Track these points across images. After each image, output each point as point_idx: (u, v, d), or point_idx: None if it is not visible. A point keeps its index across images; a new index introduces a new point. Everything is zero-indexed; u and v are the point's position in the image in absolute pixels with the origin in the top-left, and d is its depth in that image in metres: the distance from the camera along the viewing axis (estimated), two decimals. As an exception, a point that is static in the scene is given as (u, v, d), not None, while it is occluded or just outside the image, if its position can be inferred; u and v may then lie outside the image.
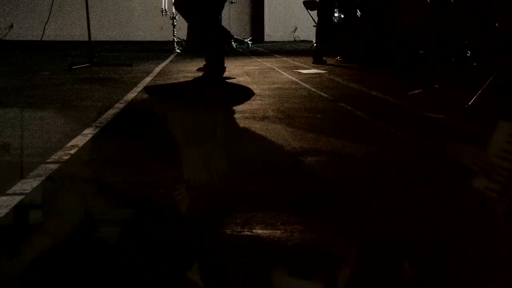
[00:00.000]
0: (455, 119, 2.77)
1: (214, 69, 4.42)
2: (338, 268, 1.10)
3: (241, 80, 4.57)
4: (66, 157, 2.01)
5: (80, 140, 2.30)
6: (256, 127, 2.58)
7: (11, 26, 11.27)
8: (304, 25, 11.28)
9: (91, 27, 6.02)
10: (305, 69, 5.73)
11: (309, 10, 8.10)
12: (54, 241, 1.26)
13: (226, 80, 4.56)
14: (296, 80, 4.64)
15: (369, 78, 4.87)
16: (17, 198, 1.55)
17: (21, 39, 10.89)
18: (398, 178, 1.78)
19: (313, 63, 6.28)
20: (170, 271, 1.10)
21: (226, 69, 4.69)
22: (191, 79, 4.74)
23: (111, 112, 3.01)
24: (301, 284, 1.04)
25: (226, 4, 4.84)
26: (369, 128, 2.62)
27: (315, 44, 6.68)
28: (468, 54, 4.77)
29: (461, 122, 2.69)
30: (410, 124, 2.70)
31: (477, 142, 2.30)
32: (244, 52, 8.85)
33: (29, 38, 10.61)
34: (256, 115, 2.89)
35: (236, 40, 10.02)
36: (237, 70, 5.50)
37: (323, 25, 6.50)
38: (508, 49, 3.68)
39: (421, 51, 5.38)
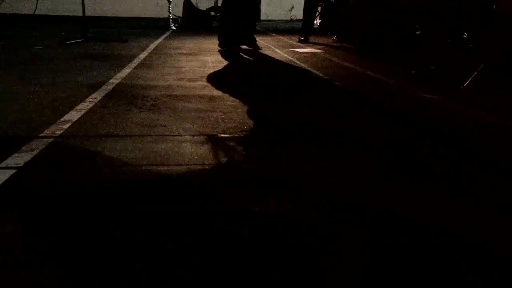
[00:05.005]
0: (449, 100, 2.77)
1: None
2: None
3: (237, 58, 4.54)
4: (59, 132, 2.00)
5: (73, 115, 2.28)
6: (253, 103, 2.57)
7: (3, -1, 11.05)
8: (301, 4, 11.11)
9: (85, 2, 5.93)
10: (300, 48, 5.69)
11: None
12: (47, 215, 1.26)
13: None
14: (292, 59, 4.61)
15: (364, 58, 4.84)
16: (10, 172, 1.54)
17: (13, 12, 10.70)
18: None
19: (298, 41, 6.27)
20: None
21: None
22: (186, 55, 4.71)
23: (105, 87, 2.98)
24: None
25: None
26: (363, 106, 2.62)
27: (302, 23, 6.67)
28: (465, 36, 4.75)
29: (454, 103, 2.70)
30: (404, 104, 2.70)
31: (468, 121, 2.31)
32: (240, 30, 8.75)
33: (22, 12, 10.44)
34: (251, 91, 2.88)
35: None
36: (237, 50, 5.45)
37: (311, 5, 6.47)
38: (505, 31, 3.66)
39: (418, 32, 5.35)
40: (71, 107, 2.45)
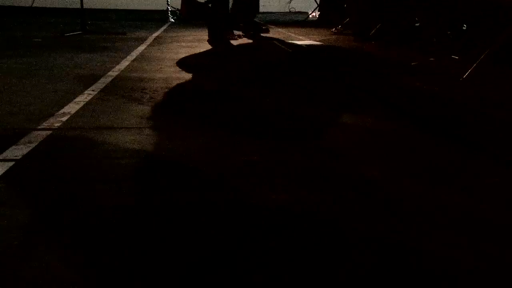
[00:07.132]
0: (449, 92, 2.77)
1: None
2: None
3: (235, 50, 4.52)
4: (57, 124, 2.00)
5: (72, 108, 2.28)
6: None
7: (0, -9, 10.98)
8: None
9: (83, -6, 5.91)
10: (300, 40, 5.67)
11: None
12: (45, 207, 1.26)
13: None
14: (290, 50, 4.60)
15: (365, 49, 4.83)
16: (8, 164, 1.54)
17: (10, 4, 10.64)
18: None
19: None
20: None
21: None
22: (185, 47, 4.69)
23: (104, 80, 2.97)
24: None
25: None
26: (363, 98, 2.62)
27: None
28: (464, 27, 4.73)
29: (454, 95, 2.69)
30: (405, 96, 2.69)
31: (467, 114, 2.31)
32: (239, 22, 8.71)
33: (19, 4, 10.38)
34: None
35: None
36: (233, 41, 5.44)
37: None
38: (505, 22, 3.65)
39: (417, 24, 5.33)
40: (69, 99, 2.44)
